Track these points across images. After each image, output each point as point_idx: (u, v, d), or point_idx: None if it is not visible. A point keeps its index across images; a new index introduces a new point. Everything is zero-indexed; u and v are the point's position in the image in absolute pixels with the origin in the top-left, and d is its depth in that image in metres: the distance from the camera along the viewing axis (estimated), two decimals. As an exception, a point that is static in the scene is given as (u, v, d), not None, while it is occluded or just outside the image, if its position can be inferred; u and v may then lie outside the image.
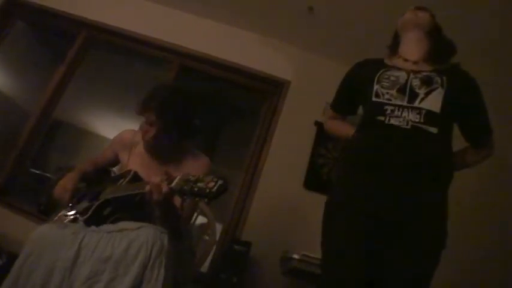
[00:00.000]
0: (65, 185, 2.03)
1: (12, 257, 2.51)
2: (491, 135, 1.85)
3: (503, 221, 3.41)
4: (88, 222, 1.83)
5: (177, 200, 1.74)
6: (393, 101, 1.67)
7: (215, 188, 1.40)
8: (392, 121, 1.64)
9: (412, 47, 1.84)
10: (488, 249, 3.30)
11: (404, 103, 1.65)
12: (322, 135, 3.50)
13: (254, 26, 3.78)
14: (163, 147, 2.07)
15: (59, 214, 2.08)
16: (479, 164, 1.91)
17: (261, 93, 3.90)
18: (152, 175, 1.72)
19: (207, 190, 1.40)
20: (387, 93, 1.70)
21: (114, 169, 2.27)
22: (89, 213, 1.86)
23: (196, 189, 1.43)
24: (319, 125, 3.51)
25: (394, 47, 1.94)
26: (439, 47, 1.84)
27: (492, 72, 3.04)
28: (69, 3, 3.85)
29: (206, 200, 1.42)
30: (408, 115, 1.63)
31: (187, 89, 2.17)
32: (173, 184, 1.55)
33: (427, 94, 1.66)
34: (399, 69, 1.77)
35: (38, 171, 5.24)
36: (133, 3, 3.91)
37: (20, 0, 3.86)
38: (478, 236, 3.31)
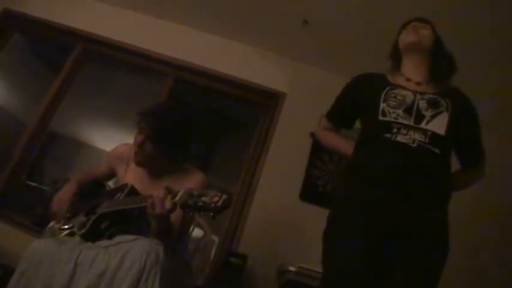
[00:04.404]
0: (62, 197, 2.04)
1: (7, 270, 2.50)
2: (484, 159, 1.90)
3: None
4: (85, 237, 1.82)
5: (173, 215, 1.74)
6: (400, 120, 1.69)
7: (220, 202, 1.41)
8: (399, 138, 1.65)
9: (415, 69, 1.85)
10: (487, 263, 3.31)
11: (411, 123, 1.67)
12: (317, 147, 3.50)
13: (250, 38, 3.80)
14: (156, 161, 2.06)
15: (53, 226, 2.07)
16: (470, 186, 1.94)
17: (257, 105, 3.91)
18: (147, 189, 1.72)
19: (212, 205, 1.41)
20: (394, 112, 1.71)
21: (109, 183, 2.26)
22: (86, 227, 1.86)
23: (200, 203, 1.44)
24: (314, 136, 3.52)
25: (395, 62, 1.95)
26: (440, 67, 1.86)
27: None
28: (66, 16, 3.87)
29: (212, 214, 1.42)
30: (414, 134, 1.65)
31: (184, 106, 2.18)
32: (177, 198, 1.56)
33: (433, 117, 1.68)
34: (404, 88, 1.78)
35: (33, 184, 5.23)
36: (129, 16, 3.93)
37: (16, 13, 3.88)
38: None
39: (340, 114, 2.02)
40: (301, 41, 3.58)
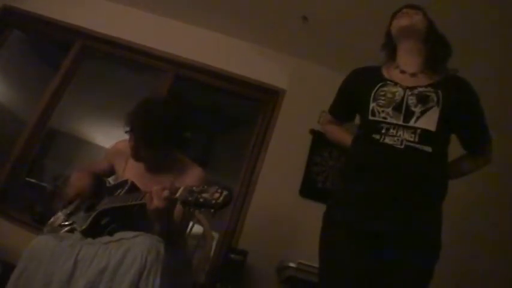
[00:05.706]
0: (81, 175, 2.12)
1: (6, 267, 2.51)
2: (489, 143, 1.86)
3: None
4: (85, 233, 1.83)
5: (176, 213, 1.74)
6: (389, 120, 1.68)
7: (221, 198, 1.40)
8: (387, 140, 1.64)
9: (410, 58, 1.82)
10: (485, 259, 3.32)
11: (400, 122, 1.66)
12: (317, 144, 3.51)
13: (249, 35, 3.80)
14: (153, 159, 2.06)
15: (53, 222, 2.07)
16: (476, 172, 1.92)
17: (257, 102, 3.91)
18: (147, 185, 1.71)
19: (213, 201, 1.41)
20: (383, 111, 1.70)
21: (110, 179, 2.26)
22: (87, 223, 1.86)
23: (201, 199, 1.43)
24: (314, 133, 3.52)
25: (390, 52, 1.92)
26: (435, 53, 1.81)
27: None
28: (65, 13, 3.86)
29: (212, 210, 1.41)
30: (403, 134, 1.63)
31: (179, 100, 2.16)
32: (177, 195, 1.55)
33: (422, 113, 1.65)
34: (396, 84, 1.75)
35: (33, 180, 5.22)
36: (128, 13, 3.92)
37: (16, 9, 3.86)
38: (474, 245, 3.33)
39: (340, 109, 2.04)
40: (300, 37, 3.57)
